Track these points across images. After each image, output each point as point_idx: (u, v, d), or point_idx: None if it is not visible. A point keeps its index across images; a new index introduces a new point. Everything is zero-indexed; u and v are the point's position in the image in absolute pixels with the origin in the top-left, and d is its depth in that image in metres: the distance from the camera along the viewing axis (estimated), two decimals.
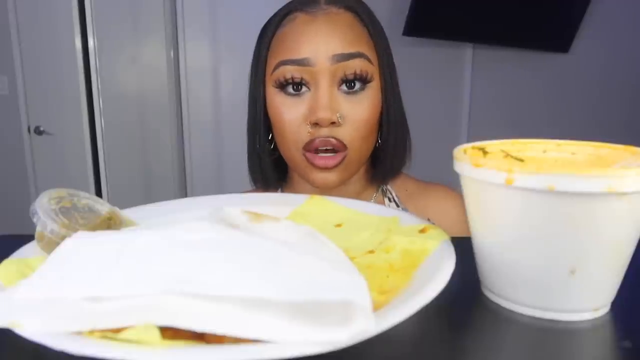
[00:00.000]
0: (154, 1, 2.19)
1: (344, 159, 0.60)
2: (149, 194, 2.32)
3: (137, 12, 2.22)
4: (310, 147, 0.60)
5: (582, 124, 2.41)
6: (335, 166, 0.60)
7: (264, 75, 0.64)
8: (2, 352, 0.27)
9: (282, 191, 0.71)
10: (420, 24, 2.19)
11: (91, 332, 0.24)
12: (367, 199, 0.69)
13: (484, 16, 2.25)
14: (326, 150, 0.60)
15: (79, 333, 0.24)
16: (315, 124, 0.59)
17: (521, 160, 0.35)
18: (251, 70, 0.67)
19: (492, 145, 0.36)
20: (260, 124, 0.66)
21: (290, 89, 0.61)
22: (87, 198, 0.40)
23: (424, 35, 2.26)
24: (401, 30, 2.19)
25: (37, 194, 0.38)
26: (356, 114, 0.60)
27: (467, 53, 2.43)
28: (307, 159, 0.61)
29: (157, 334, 0.23)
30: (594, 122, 2.48)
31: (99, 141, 1.94)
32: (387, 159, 0.67)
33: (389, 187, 0.72)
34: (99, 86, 1.90)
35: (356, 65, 0.59)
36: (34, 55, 2.19)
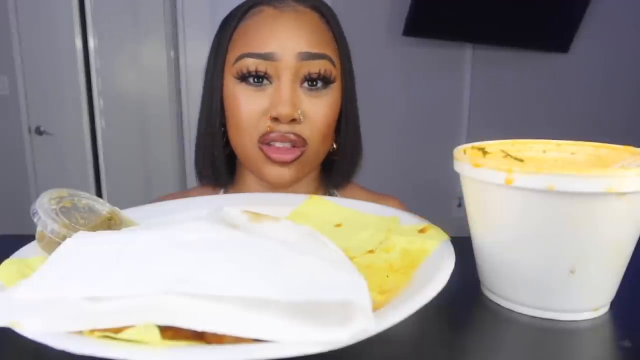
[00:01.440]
0: (154, 1, 2.19)
1: (301, 154, 0.59)
2: (149, 193, 2.32)
3: (137, 12, 2.22)
4: (267, 140, 0.58)
5: (582, 124, 2.40)
6: (292, 161, 0.59)
7: (223, 66, 0.62)
8: (2, 352, 0.27)
9: (226, 191, 0.69)
10: (420, 24, 2.19)
11: (91, 331, 0.24)
12: None
13: (483, 16, 2.25)
14: (283, 145, 0.58)
15: (79, 333, 0.24)
16: (276, 119, 0.57)
17: (521, 160, 0.35)
18: (208, 61, 0.65)
19: (492, 145, 0.36)
20: (217, 116, 0.63)
21: (251, 80, 0.59)
22: (87, 198, 0.40)
23: (424, 36, 2.26)
24: (401, 30, 2.19)
25: (37, 194, 0.38)
26: (317, 111, 0.59)
27: (467, 53, 2.43)
28: (263, 152, 0.59)
29: (157, 333, 0.23)
30: (594, 122, 2.48)
31: (98, 141, 1.94)
32: (343, 165, 0.67)
33: (336, 193, 0.70)
34: (99, 86, 1.90)
35: (320, 65, 0.59)
36: (34, 55, 2.19)
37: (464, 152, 0.33)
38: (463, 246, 0.34)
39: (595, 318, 0.30)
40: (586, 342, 0.29)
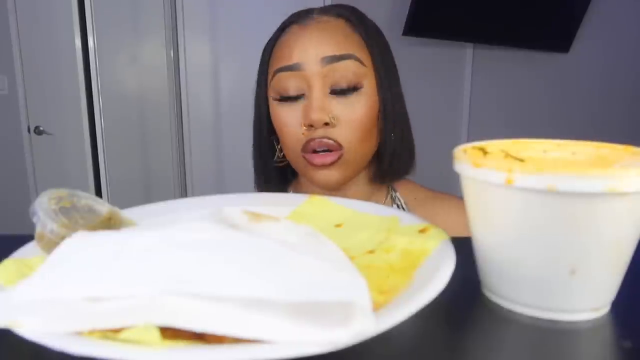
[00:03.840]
0: (154, 1, 2.19)
1: (340, 157, 0.62)
2: (149, 194, 2.32)
3: (137, 12, 2.22)
4: (308, 149, 0.62)
5: (582, 124, 2.41)
6: (332, 163, 0.62)
7: (266, 87, 0.67)
8: (2, 352, 0.27)
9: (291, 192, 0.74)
10: (420, 24, 2.19)
11: (91, 332, 0.24)
12: None
13: (484, 16, 2.25)
14: (323, 151, 0.62)
15: (79, 333, 0.24)
16: (310, 126, 0.61)
17: (521, 160, 0.35)
18: (256, 84, 0.70)
19: (492, 145, 0.36)
20: (265, 136, 0.69)
21: (287, 100, 0.64)
22: (87, 198, 0.40)
23: (424, 35, 2.26)
24: (401, 30, 2.19)
25: (37, 194, 0.38)
26: (349, 114, 0.62)
27: (467, 53, 2.43)
28: (307, 160, 0.63)
29: (157, 334, 0.23)
30: (594, 122, 2.49)
31: (99, 141, 1.94)
32: (386, 158, 0.68)
33: (398, 194, 0.72)
34: (99, 86, 1.90)
35: (347, 67, 0.61)
36: (34, 55, 2.19)
37: (464, 152, 0.33)
38: (463, 246, 0.34)
39: (595, 318, 0.30)
40: (586, 343, 0.29)
